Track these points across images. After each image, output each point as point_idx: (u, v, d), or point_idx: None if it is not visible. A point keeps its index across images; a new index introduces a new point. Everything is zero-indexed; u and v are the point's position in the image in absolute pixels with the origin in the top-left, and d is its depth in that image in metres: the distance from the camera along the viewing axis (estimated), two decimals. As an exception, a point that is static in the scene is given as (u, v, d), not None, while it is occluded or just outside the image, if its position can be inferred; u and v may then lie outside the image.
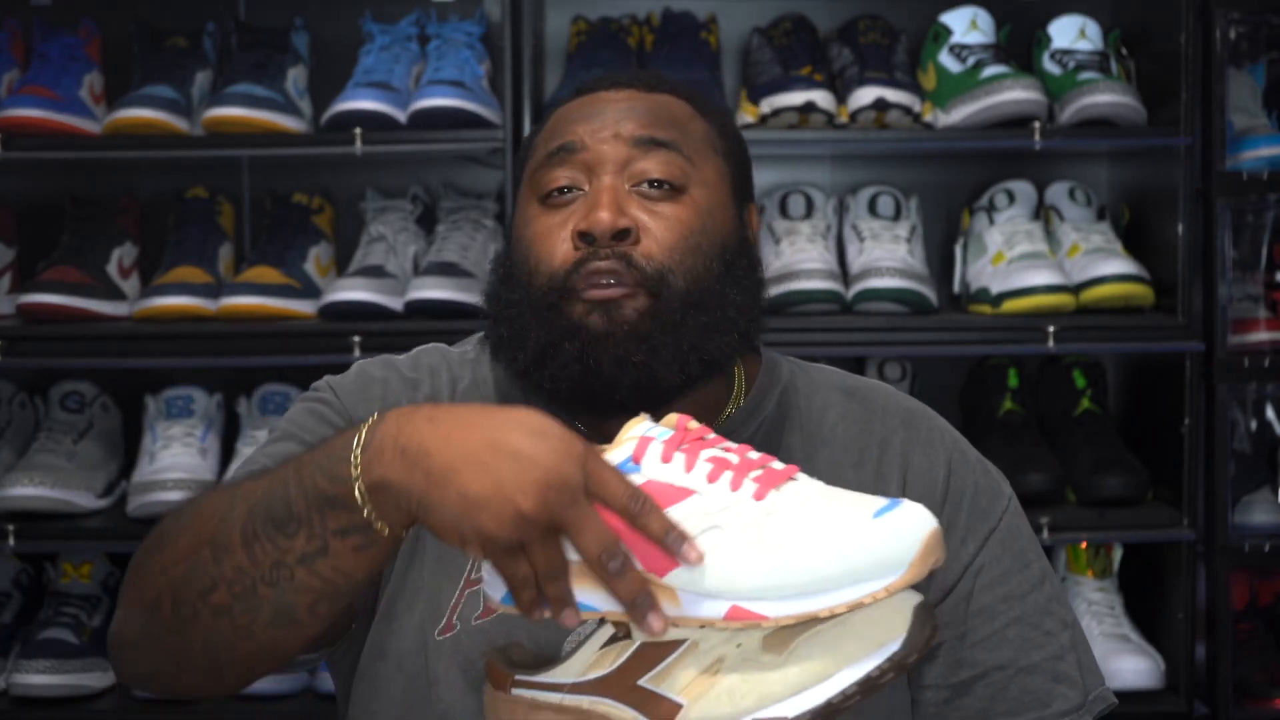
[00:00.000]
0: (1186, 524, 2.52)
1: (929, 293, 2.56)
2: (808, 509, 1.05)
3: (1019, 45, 2.72)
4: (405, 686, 1.32)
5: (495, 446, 1.04)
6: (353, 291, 2.50)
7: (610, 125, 1.34)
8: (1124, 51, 2.67)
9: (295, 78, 2.63)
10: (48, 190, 2.78)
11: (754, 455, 1.09)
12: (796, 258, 2.58)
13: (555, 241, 1.32)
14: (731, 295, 1.32)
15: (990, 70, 2.55)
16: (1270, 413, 2.71)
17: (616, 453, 1.09)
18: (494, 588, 1.08)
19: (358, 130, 2.48)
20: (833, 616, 1.03)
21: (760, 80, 2.60)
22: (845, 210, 2.74)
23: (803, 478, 1.08)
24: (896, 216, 2.69)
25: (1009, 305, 2.53)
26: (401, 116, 2.51)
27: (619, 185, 1.32)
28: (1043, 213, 2.73)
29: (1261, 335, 2.60)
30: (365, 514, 1.09)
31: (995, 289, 2.56)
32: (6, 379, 2.70)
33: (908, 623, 1.05)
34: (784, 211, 2.70)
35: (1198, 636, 2.54)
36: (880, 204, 2.70)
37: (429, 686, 1.31)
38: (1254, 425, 2.71)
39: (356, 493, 1.09)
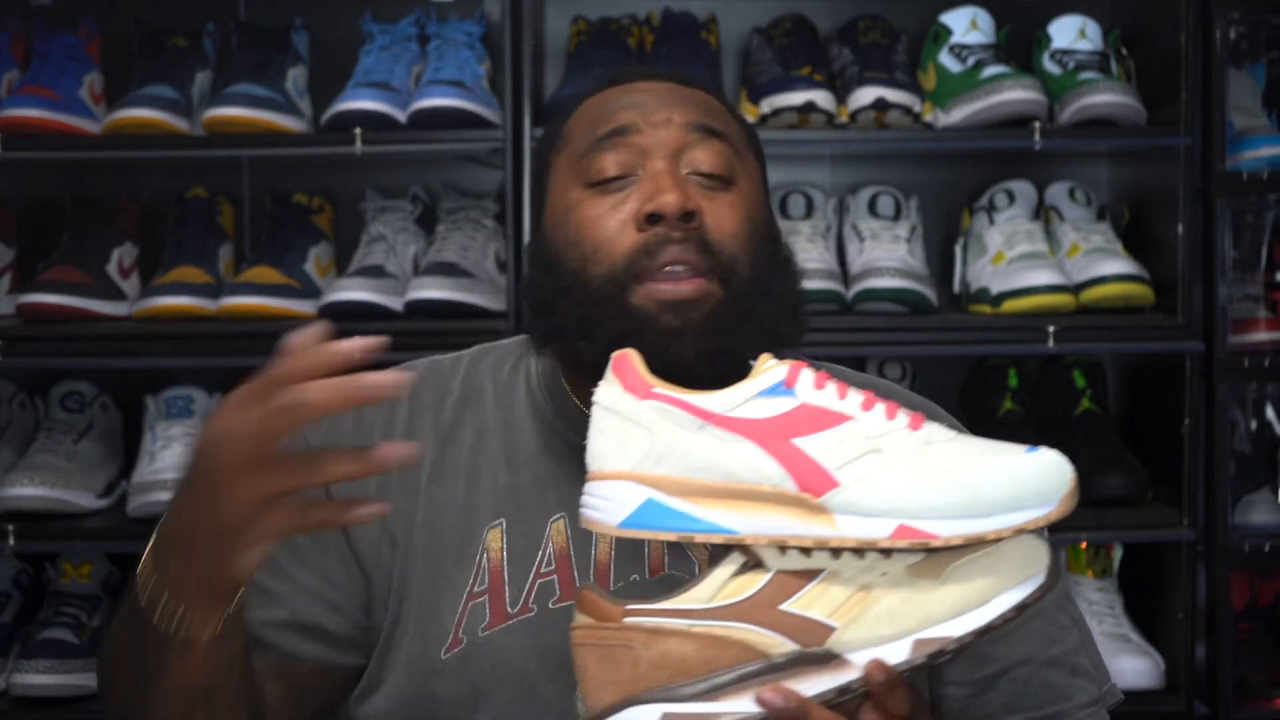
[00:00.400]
0: (1186, 524, 2.52)
1: (929, 293, 2.56)
2: (964, 442, 1.07)
3: (1019, 45, 2.72)
4: (404, 711, 1.31)
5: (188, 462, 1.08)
6: (353, 291, 2.50)
7: (663, 110, 1.33)
8: (1124, 51, 2.67)
9: (295, 78, 2.63)
10: (48, 190, 2.77)
11: (880, 399, 1.10)
12: (797, 258, 2.58)
13: (613, 226, 1.28)
14: (787, 284, 1.34)
15: (990, 70, 2.55)
16: (1270, 413, 2.71)
17: (764, 378, 1.08)
18: (592, 510, 1.08)
19: (358, 130, 2.48)
20: (997, 541, 1.04)
21: (760, 80, 2.60)
22: (845, 210, 2.74)
23: (931, 421, 1.09)
24: (896, 216, 2.69)
25: (1009, 305, 2.53)
26: (401, 116, 2.51)
27: (677, 170, 1.30)
28: (1043, 213, 2.73)
29: (1261, 335, 2.60)
30: (157, 617, 1.11)
31: (995, 289, 2.56)
32: (6, 379, 2.70)
33: (1047, 557, 1.08)
34: (784, 211, 2.70)
35: (1198, 636, 2.54)
36: (880, 204, 2.70)
37: (435, 706, 1.30)
38: (1254, 425, 2.71)
39: (148, 600, 1.11)
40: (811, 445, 1.06)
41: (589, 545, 1.32)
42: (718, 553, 1.08)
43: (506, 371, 1.42)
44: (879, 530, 1.03)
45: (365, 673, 1.35)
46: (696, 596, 1.07)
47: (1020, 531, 1.04)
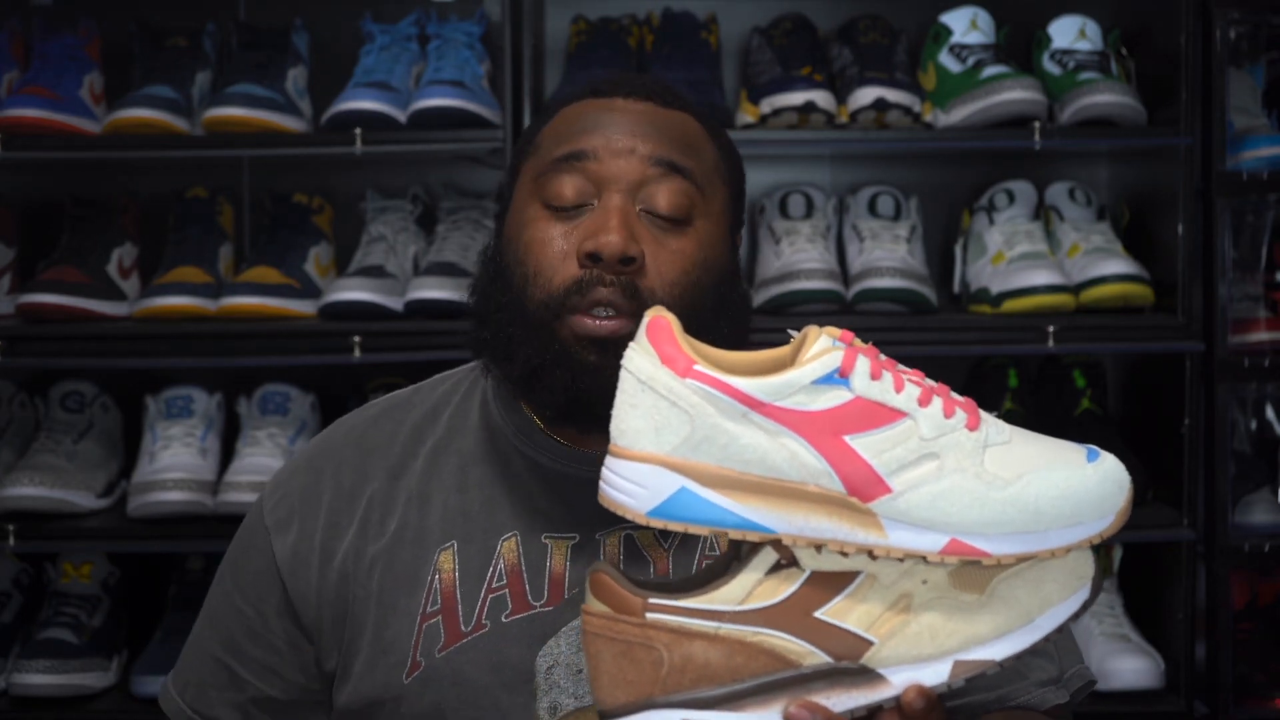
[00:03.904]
0: (1186, 524, 2.52)
1: (929, 293, 2.56)
2: (1021, 445, 1.01)
3: (1019, 45, 2.72)
4: None
5: None
6: (353, 291, 2.50)
7: (626, 140, 1.30)
8: (1124, 51, 2.67)
9: (295, 78, 2.63)
10: (48, 190, 2.78)
11: (930, 381, 1.03)
12: (796, 258, 2.58)
13: (557, 255, 1.28)
14: (723, 329, 1.30)
15: (990, 70, 2.55)
16: (1270, 413, 2.71)
17: (817, 365, 1.00)
18: (617, 492, 1.01)
19: (358, 130, 2.48)
20: (1050, 557, 0.99)
21: (760, 80, 2.60)
22: (845, 210, 2.73)
23: (984, 413, 1.03)
24: (896, 216, 2.69)
25: (1009, 305, 2.53)
26: (401, 116, 2.51)
27: (629, 208, 1.29)
28: (1043, 213, 2.73)
29: (1261, 335, 2.60)
30: None
31: (995, 289, 2.56)
32: (6, 379, 2.70)
33: (1093, 568, 1.03)
34: (784, 211, 2.70)
35: (1198, 636, 2.54)
36: (880, 204, 2.70)
37: None
38: (1254, 425, 2.71)
39: None
40: (864, 444, 0.99)
41: (543, 559, 1.32)
42: (748, 550, 1.02)
43: (461, 394, 1.43)
44: (930, 544, 0.98)
45: (333, 708, 1.38)
46: (726, 596, 1.01)
47: (1073, 549, 1.00)
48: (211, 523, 2.47)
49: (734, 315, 1.33)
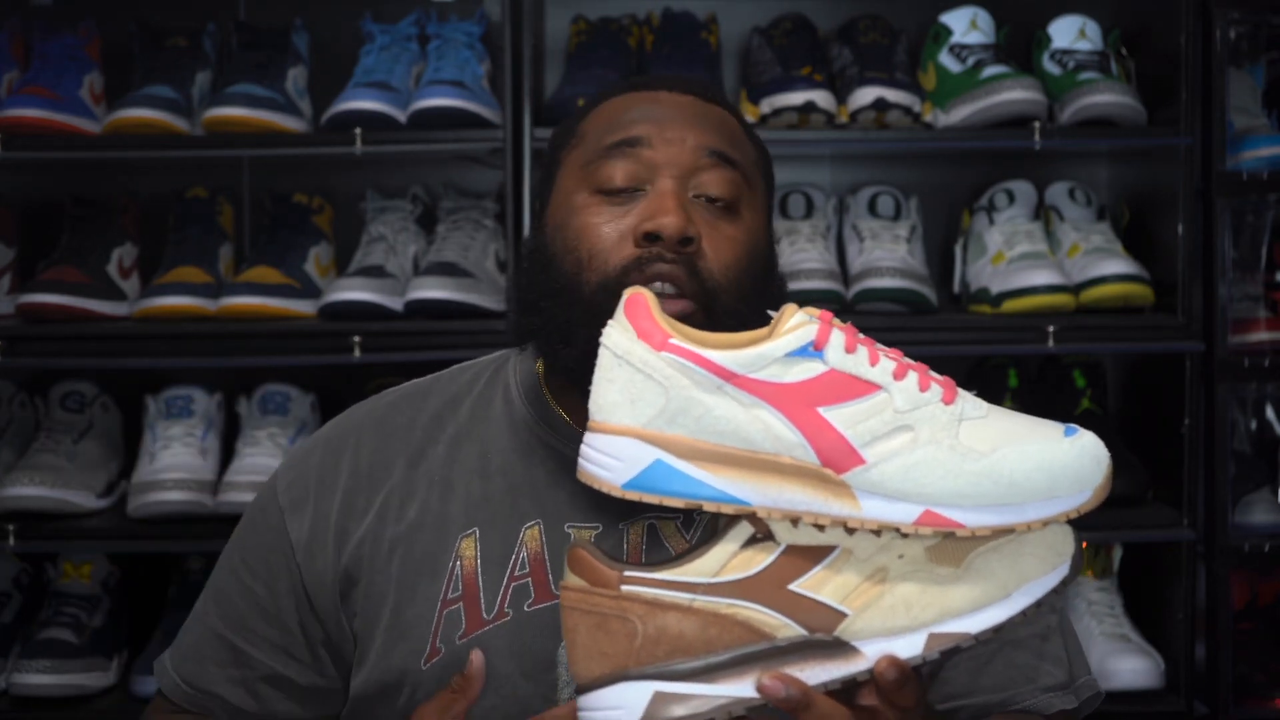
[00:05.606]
0: (1186, 524, 2.52)
1: (929, 293, 2.56)
2: (998, 420, 1.01)
3: (1019, 45, 2.72)
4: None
5: None
6: (353, 291, 2.50)
7: (678, 128, 1.32)
8: (1124, 51, 2.67)
9: (295, 78, 2.63)
10: (48, 190, 2.78)
11: (909, 359, 1.04)
12: (796, 258, 2.58)
13: (612, 236, 1.29)
14: (769, 317, 1.32)
15: (990, 70, 2.55)
16: (1270, 413, 2.71)
17: (792, 338, 1.01)
18: (594, 465, 1.03)
19: (358, 130, 2.48)
20: (1028, 531, 1.00)
21: (760, 80, 2.60)
22: (845, 210, 2.74)
23: (961, 390, 1.04)
24: (896, 216, 2.69)
25: (1009, 305, 2.53)
26: (401, 116, 2.51)
27: (683, 192, 1.30)
28: (1043, 213, 2.73)
29: (1261, 335, 2.60)
30: None
31: (995, 289, 2.56)
32: (6, 379, 2.70)
33: (1073, 545, 1.03)
34: (784, 211, 2.70)
35: (1198, 636, 2.54)
36: (880, 204, 2.70)
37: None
38: (1254, 425, 2.71)
39: None
40: (838, 416, 0.99)
41: (565, 548, 1.33)
42: (725, 523, 1.03)
43: (484, 384, 1.43)
44: (904, 515, 0.98)
45: (349, 695, 1.38)
46: (700, 569, 1.01)
47: (1049, 523, 1.00)
48: (211, 523, 2.47)
49: (777, 306, 1.34)
